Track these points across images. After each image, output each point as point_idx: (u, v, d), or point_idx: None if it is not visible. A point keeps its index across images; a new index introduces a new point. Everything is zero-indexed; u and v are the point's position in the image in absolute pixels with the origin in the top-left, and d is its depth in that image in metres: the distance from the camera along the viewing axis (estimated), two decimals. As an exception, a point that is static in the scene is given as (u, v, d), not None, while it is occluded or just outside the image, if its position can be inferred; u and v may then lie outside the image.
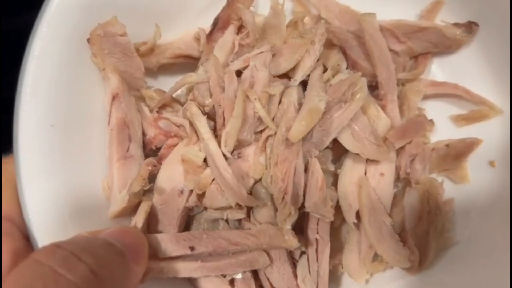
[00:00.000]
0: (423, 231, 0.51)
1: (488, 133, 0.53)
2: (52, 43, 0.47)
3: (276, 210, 0.48)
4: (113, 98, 0.50)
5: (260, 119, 0.48)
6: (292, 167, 0.47)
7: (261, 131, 0.48)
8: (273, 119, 0.48)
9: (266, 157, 0.48)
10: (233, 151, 0.48)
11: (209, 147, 0.46)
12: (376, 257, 0.51)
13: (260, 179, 0.48)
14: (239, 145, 0.48)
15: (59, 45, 0.48)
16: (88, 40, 0.49)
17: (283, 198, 0.47)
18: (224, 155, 0.47)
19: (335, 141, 0.51)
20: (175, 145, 0.51)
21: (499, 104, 0.52)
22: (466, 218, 0.52)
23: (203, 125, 0.47)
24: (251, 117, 0.47)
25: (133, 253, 0.42)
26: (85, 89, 0.50)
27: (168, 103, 0.52)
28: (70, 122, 0.49)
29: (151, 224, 0.50)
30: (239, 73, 0.50)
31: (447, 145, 0.53)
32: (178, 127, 0.50)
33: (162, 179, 0.50)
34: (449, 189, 0.53)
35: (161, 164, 0.51)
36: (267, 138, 0.48)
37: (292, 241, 0.46)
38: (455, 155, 0.53)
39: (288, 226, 0.46)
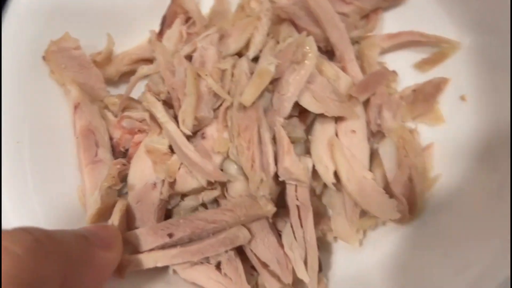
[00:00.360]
0: (406, 177, 0.49)
1: (454, 69, 0.52)
2: (9, 62, 0.49)
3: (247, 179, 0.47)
4: (75, 108, 0.51)
5: (216, 95, 0.48)
6: (255, 134, 0.46)
7: (220, 107, 0.48)
8: (228, 93, 0.48)
9: (229, 131, 0.47)
10: (196, 132, 0.49)
11: (168, 129, 0.47)
12: (364, 214, 0.49)
13: (228, 155, 0.48)
14: (201, 124, 0.48)
15: (17, 64, 0.50)
16: (44, 57, 0.51)
17: (252, 166, 0.46)
18: (186, 135, 0.47)
19: (302, 110, 0.51)
20: (141, 141, 0.51)
21: (457, 38, 0.52)
22: (451, 159, 0.50)
23: (159, 110, 0.47)
24: (206, 93, 0.47)
25: (101, 239, 0.41)
26: (49, 104, 0.52)
27: (130, 105, 0.53)
28: (38, 138, 0.50)
29: (130, 223, 0.49)
30: (190, 59, 0.51)
31: (414, 90, 0.52)
32: (141, 122, 0.51)
33: (133, 177, 0.50)
34: (428, 135, 0.52)
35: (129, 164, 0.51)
36: (226, 112, 0.48)
37: (267, 206, 0.45)
38: (423, 98, 0.52)
39: (261, 193, 0.45)
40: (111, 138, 0.53)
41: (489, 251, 0.42)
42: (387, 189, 0.49)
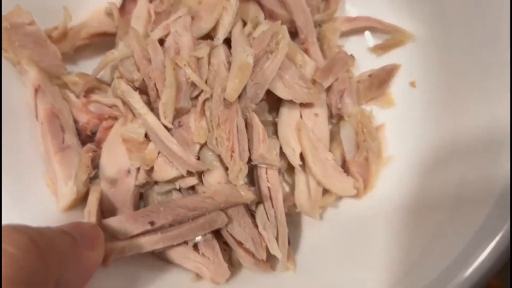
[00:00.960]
0: (363, 158, 0.54)
1: (406, 58, 0.56)
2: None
3: (226, 169, 0.49)
4: (36, 90, 0.48)
5: (193, 84, 0.48)
6: (234, 125, 0.48)
7: (197, 96, 0.48)
8: (206, 82, 0.48)
9: (207, 121, 0.48)
10: (173, 121, 0.49)
11: (149, 121, 0.46)
12: (325, 191, 0.54)
13: (205, 143, 0.49)
14: (178, 114, 0.48)
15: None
16: (-6, 34, 0.47)
17: (231, 156, 0.48)
18: (166, 127, 0.47)
19: (268, 92, 0.52)
20: (111, 127, 0.50)
21: (412, 29, 0.56)
22: (399, 137, 0.56)
23: (136, 100, 0.46)
24: (184, 83, 0.47)
25: (86, 238, 0.41)
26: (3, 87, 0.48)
27: (93, 85, 0.51)
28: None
29: (105, 210, 0.49)
30: (161, 42, 0.49)
31: (370, 75, 0.56)
32: (111, 107, 0.49)
33: (106, 163, 0.49)
34: (379, 116, 0.57)
35: (100, 148, 0.50)
36: (204, 102, 0.48)
37: (248, 194, 0.48)
38: (378, 83, 0.56)
39: (241, 182, 0.48)
40: (76, 121, 0.50)
41: (437, 220, 0.49)
42: (344, 167, 0.55)
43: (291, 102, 0.53)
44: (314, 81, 0.54)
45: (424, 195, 0.51)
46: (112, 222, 0.47)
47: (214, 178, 0.49)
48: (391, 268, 0.48)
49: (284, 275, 0.51)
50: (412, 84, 0.56)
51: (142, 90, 0.49)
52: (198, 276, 0.51)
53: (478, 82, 0.47)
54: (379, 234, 0.52)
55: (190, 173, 0.49)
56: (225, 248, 0.53)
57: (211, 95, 0.48)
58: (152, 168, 0.49)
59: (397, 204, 0.53)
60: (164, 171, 0.48)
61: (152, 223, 0.47)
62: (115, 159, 0.49)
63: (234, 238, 0.51)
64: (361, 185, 0.54)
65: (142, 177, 0.49)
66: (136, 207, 0.50)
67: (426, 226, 0.49)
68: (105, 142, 0.49)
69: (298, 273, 0.51)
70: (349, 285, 0.49)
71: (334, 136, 0.56)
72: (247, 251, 0.51)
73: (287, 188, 0.56)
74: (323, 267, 0.51)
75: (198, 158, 0.49)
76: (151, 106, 0.48)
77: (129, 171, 0.49)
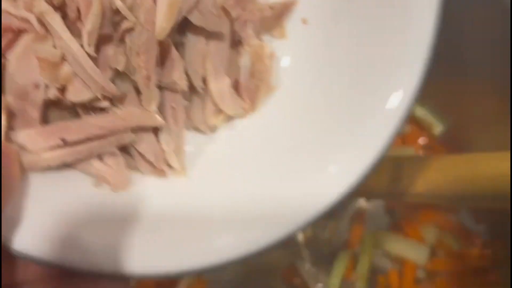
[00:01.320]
0: (254, 86, 0.61)
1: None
2: None
3: (138, 93, 0.51)
4: None
5: (117, 11, 0.47)
6: (153, 55, 0.49)
7: (118, 23, 0.48)
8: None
9: (127, 48, 0.49)
10: (93, 45, 0.48)
11: (71, 47, 0.45)
12: (219, 111, 0.61)
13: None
14: (99, 39, 0.47)
15: None
16: None
17: (146, 84, 0.50)
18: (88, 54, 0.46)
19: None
20: (17, 38, 0.47)
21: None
22: (287, 68, 0.63)
23: (58, 24, 0.44)
24: (109, 10, 0.46)
25: (6, 160, 0.42)
26: None
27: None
28: None
29: (11, 124, 0.48)
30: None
31: (271, 8, 0.61)
32: (22, 21, 0.46)
33: (13, 75, 0.47)
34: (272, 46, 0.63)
35: (5, 58, 0.47)
36: (125, 30, 0.48)
37: (158, 119, 0.52)
38: (277, 15, 0.61)
39: (154, 108, 0.52)
40: (-27, 26, 0.45)
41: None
42: (237, 91, 0.61)
43: (199, 27, 0.55)
44: (224, 9, 0.56)
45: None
46: (21, 136, 0.48)
47: (128, 103, 0.51)
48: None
49: (178, 180, 0.58)
50: (304, 21, 0.62)
51: (59, 7, 0.46)
52: (101, 182, 0.55)
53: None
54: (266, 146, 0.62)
55: (104, 97, 0.50)
56: (126, 156, 0.57)
57: (134, 24, 0.48)
58: (64, 88, 0.49)
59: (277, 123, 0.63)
60: (79, 92, 0.49)
61: (63, 140, 0.49)
62: (24, 72, 0.47)
63: (137, 151, 0.56)
64: (249, 107, 0.62)
65: (51, 93, 0.49)
66: (45, 122, 0.50)
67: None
68: (12, 53, 0.47)
69: (192, 179, 0.59)
70: (239, 186, 0.58)
71: (232, 61, 0.61)
72: (148, 161, 0.56)
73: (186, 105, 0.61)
74: (215, 174, 0.60)
75: (114, 83, 0.50)
76: (67, 24, 0.47)
77: (37, 86, 0.48)
